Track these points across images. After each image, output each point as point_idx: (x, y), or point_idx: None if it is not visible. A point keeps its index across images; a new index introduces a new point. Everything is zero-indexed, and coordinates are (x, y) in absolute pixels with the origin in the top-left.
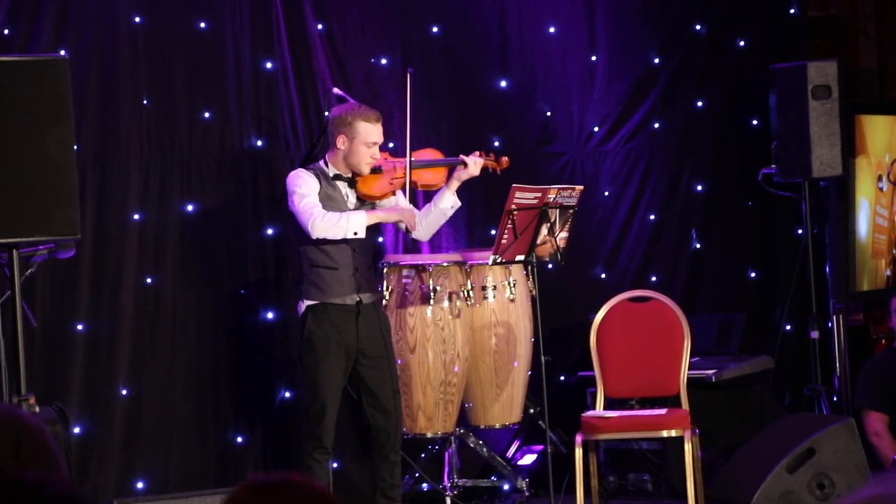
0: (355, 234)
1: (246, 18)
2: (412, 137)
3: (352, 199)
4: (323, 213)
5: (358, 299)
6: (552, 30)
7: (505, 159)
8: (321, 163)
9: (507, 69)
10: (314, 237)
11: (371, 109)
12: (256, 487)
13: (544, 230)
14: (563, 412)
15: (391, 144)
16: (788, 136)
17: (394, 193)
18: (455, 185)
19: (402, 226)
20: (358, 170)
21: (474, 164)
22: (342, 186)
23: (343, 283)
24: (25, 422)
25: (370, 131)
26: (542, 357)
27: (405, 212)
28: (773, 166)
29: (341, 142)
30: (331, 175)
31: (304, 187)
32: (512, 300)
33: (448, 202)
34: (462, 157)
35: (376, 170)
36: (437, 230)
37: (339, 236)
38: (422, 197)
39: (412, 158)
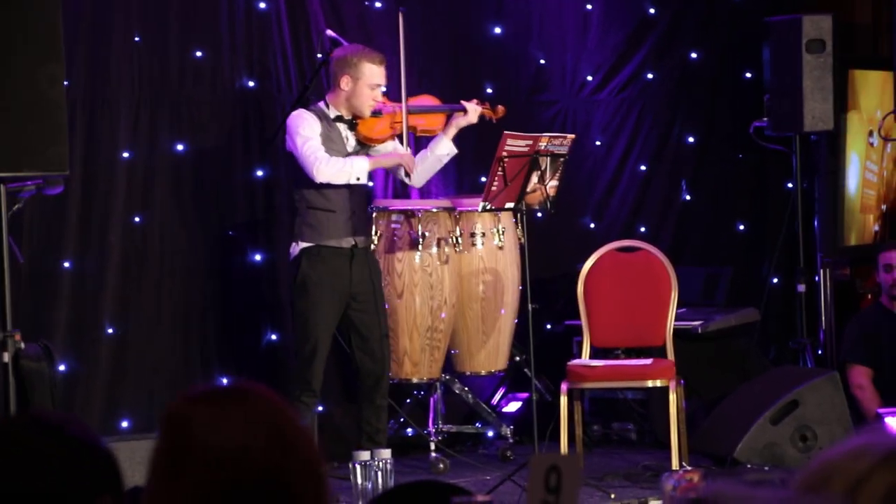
0: (358, 179)
1: None
2: (406, 82)
3: (351, 142)
4: (327, 157)
5: (353, 243)
6: None
7: (501, 108)
8: (321, 104)
9: (502, 15)
10: (318, 181)
11: (376, 52)
12: (196, 398)
13: (534, 178)
14: (549, 360)
15: (383, 88)
16: (781, 89)
17: (393, 137)
18: (452, 131)
19: (401, 171)
20: (360, 112)
21: (473, 112)
22: (342, 128)
23: (339, 226)
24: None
25: (374, 73)
26: (529, 305)
27: (404, 156)
28: (765, 119)
29: (345, 82)
30: (332, 117)
31: (307, 129)
32: (500, 247)
33: (444, 149)
34: (463, 102)
35: (377, 113)
36: (430, 176)
37: (342, 181)
38: (414, 142)
39: (410, 104)
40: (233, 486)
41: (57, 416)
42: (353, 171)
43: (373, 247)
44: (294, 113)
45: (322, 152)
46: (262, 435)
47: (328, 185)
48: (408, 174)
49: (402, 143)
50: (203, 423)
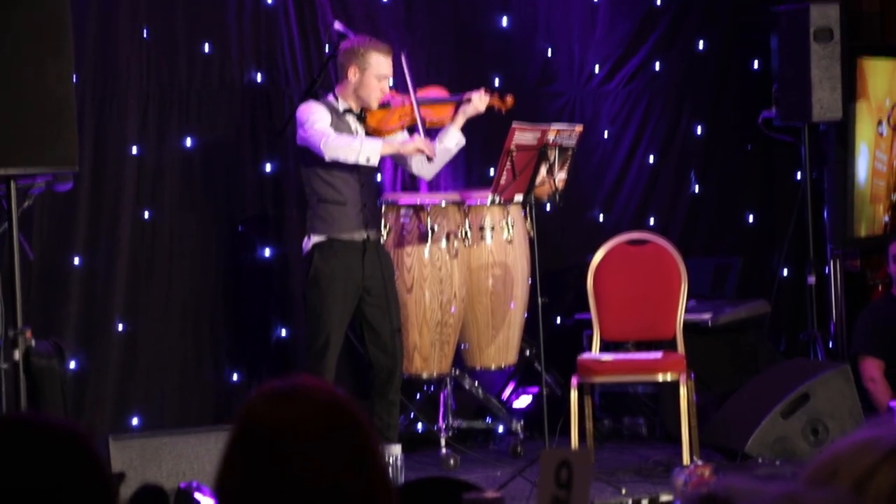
0: (368, 160)
1: None
2: (412, 76)
3: (361, 134)
4: (335, 133)
5: (365, 236)
6: None
7: (510, 99)
8: (330, 97)
9: (508, 6)
10: (326, 158)
11: (383, 42)
12: (270, 395)
13: (543, 170)
14: (559, 354)
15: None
16: (789, 78)
17: (402, 129)
18: (461, 121)
19: (413, 163)
20: (368, 103)
21: (480, 100)
22: (352, 121)
23: (351, 218)
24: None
25: (382, 63)
26: (539, 299)
27: (420, 141)
28: (773, 109)
29: (353, 73)
30: (341, 109)
31: (316, 114)
32: (509, 241)
33: (453, 139)
34: (467, 94)
35: (385, 105)
36: (440, 168)
37: (350, 159)
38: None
39: (418, 96)
40: None
41: (26, 413)
42: (362, 149)
43: (382, 241)
44: (303, 105)
45: (330, 129)
46: (356, 472)
47: (337, 177)
48: (430, 158)
49: (413, 133)
50: (300, 453)
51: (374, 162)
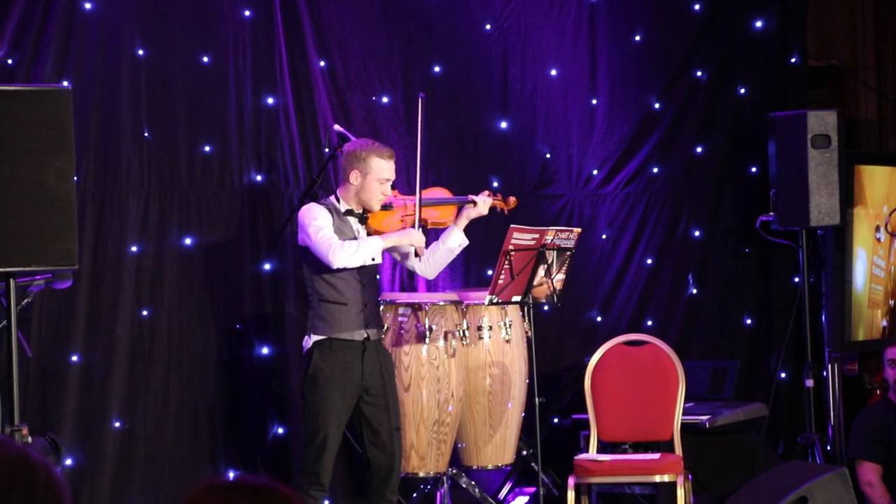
0: (373, 259)
1: (249, 54)
2: (422, 168)
3: (362, 235)
4: (340, 243)
5: (365, 335)
6: (554, 72)
7: (512, 199)
8: (332, 198)
9: (508, 110)
10: (335, 267)
11: (385, 146)
12: (214, 488)
13: (541, 271)
14: (556, 454)
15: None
16: (787, 184)
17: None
18: (463, 222)
19: (411, 259)
20: (369, 206)
21: (483, 203)
22: (353, 222)
23: (351, 318)
24: (26, 460)
25: (383, 168)
26: (537, 399)
27: (414, 233)
28: (772, 214)
29: (354, 177)
30: (342, 210)
31: (319, 220)
32: (507, 341)
33: (456, 240)
34: (471, 196)
35: (387, 206)
36: (442, 268)
37: (357, 264)
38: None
39: (421, 197)
40: None
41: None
42: (367, 252)
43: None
44: (304, 207)
45: (336, 239)
46: None
47: (339, 277)
48: (418, 255)
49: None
50: None
51: (379, 259)
